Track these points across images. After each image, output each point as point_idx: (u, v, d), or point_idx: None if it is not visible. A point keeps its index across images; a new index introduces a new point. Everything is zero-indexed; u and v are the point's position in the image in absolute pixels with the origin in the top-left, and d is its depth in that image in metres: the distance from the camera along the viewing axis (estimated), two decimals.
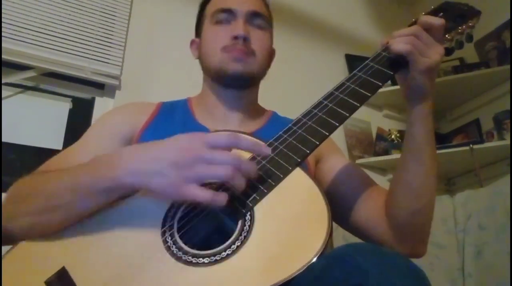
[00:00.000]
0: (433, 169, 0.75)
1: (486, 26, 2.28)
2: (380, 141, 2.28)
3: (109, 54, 1.84)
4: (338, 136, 2.21)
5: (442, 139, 2.33)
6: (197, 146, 0.60)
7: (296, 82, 2.19)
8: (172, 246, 0.60)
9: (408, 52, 0.70)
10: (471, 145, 2.00)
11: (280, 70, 2.17)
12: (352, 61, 2.37)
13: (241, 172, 0.59)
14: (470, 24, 0.81)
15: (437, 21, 0.73)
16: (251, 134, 0.82)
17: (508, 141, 1.97)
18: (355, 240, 0.84)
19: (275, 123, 0.96)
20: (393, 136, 2.26)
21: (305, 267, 0.53)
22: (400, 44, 0.70)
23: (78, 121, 1.82)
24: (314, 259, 0.53)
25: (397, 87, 1.53)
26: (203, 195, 0.57)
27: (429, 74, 0.71)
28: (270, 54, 0.98)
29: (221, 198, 0.58)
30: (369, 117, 2.36)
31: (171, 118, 0.92)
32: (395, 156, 2.13)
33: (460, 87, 2.26)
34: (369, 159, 2.19)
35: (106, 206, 0.65)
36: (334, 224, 0.86)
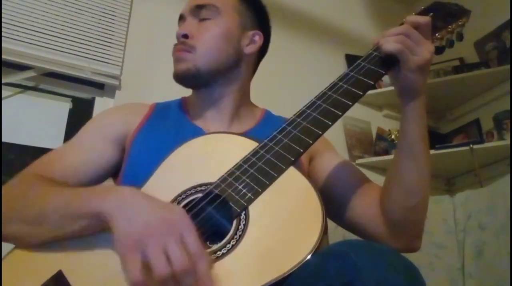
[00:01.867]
0: (427, 165, 0.75)
1: (486, 26, 2.28)
2: (380, 141, 2.28)
3: (109, 54, 1.84)
4: (338, 136, 2.21)
5: (442, 139, 2.33)
6: (173, 233, 0.55)
7: (296, 82, 2.19)
8: None
9: (398, 51, 0.70)
10: (471, 145, 2.00)
11: (280, 70, 2.19)
12: (352, 61, 2.31)
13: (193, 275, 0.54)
14: (460, 23, 0.82)
15: (424, 19, 0.74)
16: (243, 134, 0.82)
17: (508, 142, 1.97)
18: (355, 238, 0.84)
19: (268, 122, 0.95)
20: (393, 136, 2.26)
21: (299, 265, 0.53)
22: (390, 43, 0.71)
23: (78, 121, 1.82)
24: (308, 257, 0.54)
25: None
26: (134, 273, 0.53)
27: (420, 72, 0.71)
28: (220, 43, 0.90)
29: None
30: (369, 117, 2.36)
31: (164, 120, 0.91)
32: None
33: (460, 87, 2.26)
34: (369, 159, 2.18)
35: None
36: (334, 223, 0.86)
